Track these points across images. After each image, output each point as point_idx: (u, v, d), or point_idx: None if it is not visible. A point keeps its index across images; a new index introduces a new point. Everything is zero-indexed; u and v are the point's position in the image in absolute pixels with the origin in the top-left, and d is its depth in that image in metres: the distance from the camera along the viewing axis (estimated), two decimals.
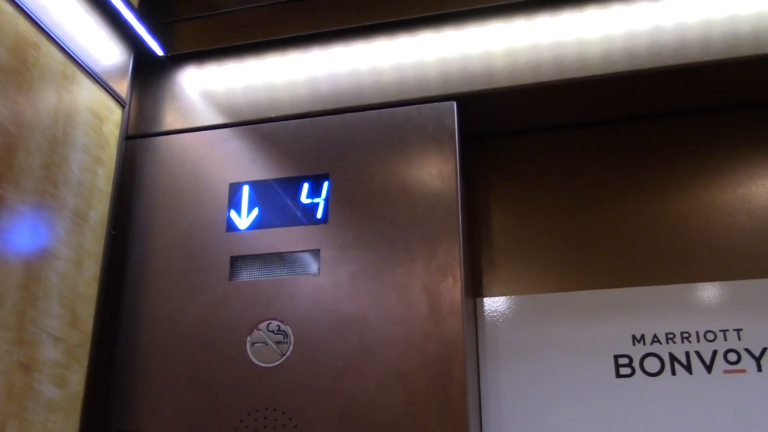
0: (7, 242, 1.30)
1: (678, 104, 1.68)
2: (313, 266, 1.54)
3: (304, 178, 1.61)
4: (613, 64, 1.56)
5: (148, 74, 1.81)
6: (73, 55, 1.51)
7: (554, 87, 1.59)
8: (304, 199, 1.60)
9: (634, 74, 1.55)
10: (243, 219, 1.62)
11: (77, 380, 1.46)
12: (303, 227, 1.58)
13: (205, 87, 1.78)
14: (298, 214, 1.59)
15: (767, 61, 1.50)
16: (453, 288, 1.46)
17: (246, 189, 1.64)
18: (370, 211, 1.56)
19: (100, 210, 1.58)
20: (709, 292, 1.53)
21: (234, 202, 1.63)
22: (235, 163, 1.67)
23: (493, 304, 1.63)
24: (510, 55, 1.62)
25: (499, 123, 1.76)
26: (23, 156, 1.35)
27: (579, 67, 1.57)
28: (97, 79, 1.60)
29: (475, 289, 1.66)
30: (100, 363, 1.53)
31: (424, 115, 1.61)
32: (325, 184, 1.60)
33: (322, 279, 1.53)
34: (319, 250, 1.55)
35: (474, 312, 1.64)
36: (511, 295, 1.63)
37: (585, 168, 1.70)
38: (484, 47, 1.64)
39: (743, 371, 1.46)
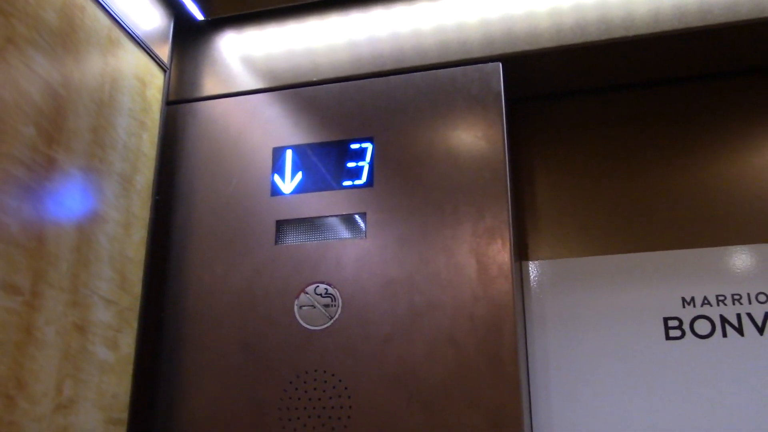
0: (60, 204, 1.30)
1: (727, 65, 1.65)
2: (360, 229, 1.54)
3: (348, 142, 1.60)
4: (662, 23, 1.53)
5: (188, 39, 1.80)
6: (117, 18, 1.50)
7: (600, 47, 1.56)
8: (348, 162, 1.59)
9: (683, 33, 1.52)
10: (287, 183, 1.61)
11: (128, 343, 1.47)
12: (348, 191, 1.57)
13: (244, 52, 1.76)
14: (343, 177, 1.58)
15: None
16: (502, 250, 1.45)
17: (289, 153, 1.63)
18: (416, 175, 1.54)
19: (145, 174, 1.58)
20: (761, 253, 1.51)
21: (278, 167, 1.63)
22: (278, 127, 1.66)
23: (539, 268, 1.62)
24: (554, 15, 1.59)
25: (544, 85, 1.74)
26: (73, 119, 1.35)
27: (626, 26, 1.54)
28: (140, 43, 1.59)
29: (520, 253, 1.65)
30: (149, 326, 1.54)
31: (468, 77, 1.59)
32: (369, 148, 1.59)
33: (369, 242, 1.52)
34: (365, 213, 1.54)
35: (520, 276, 1.63)
36: (557, 258, 1.62)
37: (630, 130, 1.68)
38: (527, 7, 1.62)
39: None
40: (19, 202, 1.20)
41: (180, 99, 1.74)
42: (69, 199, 1.33)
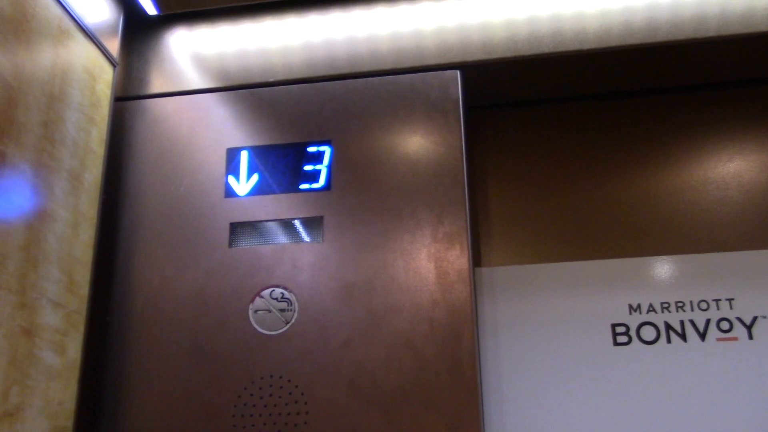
0: (9, 201, 1.24)
1: (673, 80, 1.72)
2: (317, 233, 1.52)
3: (306, 144, 1.59)
4: (610, 39, 1.58)
5: (138, 34, 1.74)
6: (68, 9, 1.44)
7: (553, 60, 1.60)
8: (306, 165, 1.57)
9: (630, 49, 1.57)
10: (242, 185, 1.58)
11: (75, 347, 1.41)
12: (305, 194, 1.55)
13: (196, 49, 1.72)
14: (300, 180, 1.56)
15: (756, 39, 1.55)
16: (461, 256, 1.46)
17: (245, 154, 1.60)
18: (375, 179, 1.54)
19: (93, 172, 1.52)
20: (702, 262, 1.58)
21: (232, 168, 1.59)
22: (232, 127, 1.63)
23: (492, 274, 1.64)
24: (509, 26, 1.62)
25: (498, 94, 1.76)
26: (23, 112, 1.28)
27: (577, 39, 1.58)
28: (90, 35, 1.53)
29: (474, 259, 1.67)
30: (95, 330, 1.48)
31: (428, 84, 1.60)
32: (327, 151, 1.58)
33: (327, 246, 1.51)
34: (322, 217, 1.53)
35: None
36: (509, 265, 1.65)
37: (581, 141, 1.72)
38: (483, 18, 1.64)
39: (735, 339, 1.52)
40: None
41: (129, 95, 1.69)
42: (18, 196, 1.26)
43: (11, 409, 1.20)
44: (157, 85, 1.70)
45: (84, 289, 1.45)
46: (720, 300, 1.54)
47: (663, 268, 1.58)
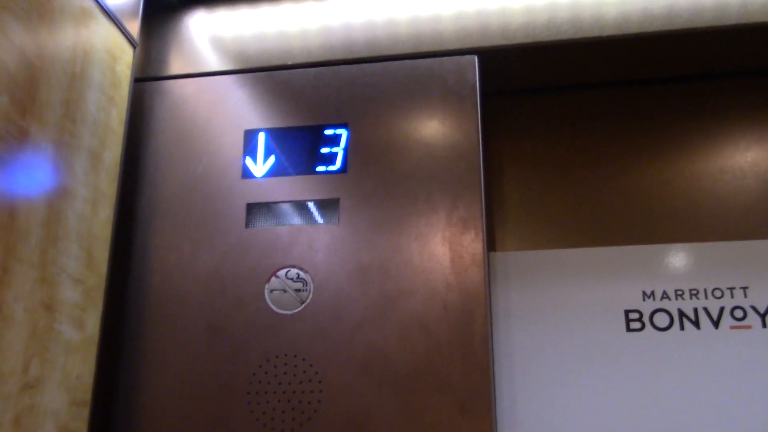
0: (31, 178, 1.26)
1: (692, 68, 1.71)
2: (333, 215, 1.53)
3: (323, 127, 1.60)
4: (629, 26, 1.58)
5: (158, 16, 1.76)
6: None
7: (571, 45, 1.60)
8: (322, 148, 1.58)
9: (649, 36, 1.57)
10: (259, 166, 1.59)
11: (93, 323, 1.43)
12: (321, 176, 1.57)
13: (215, 32, 1.74)
14: (317, 163, 1.58)
15: None
16: (475, 240, 1.47)
17: (262, 136, 1.61)
18: (391, 163, 1.55)
19: (113, 151, 1.54)
20: (717, 251, 1.58)
21: (249, 149, 1.61)
22: (250, 109, 1.64)
23: (506, 259, 1.65)
24: (527, 12, 1.62)
25: (516, 80, 1.77)
26: (45, 90, 1.30)
27: (597, 26, 1.58)
28: (111, 16, 1.55)
29: (488, 244, 1.67)
30: (114, 307, 1.51)
31: (445, 68, 1.61)
32: (344, 134, 1.59)
33: (342, 228, 1.52)
34: (338, 200, 1.54)
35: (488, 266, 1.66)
36: (524, 250, 1.65)
37: (598, 128, 1.73)
38: (502, 3, 1.64)
39: (749, 327, 1.52)
40: None
41: (148, 77, 1.71)
42: (40, 173, 1.28)
43: (31, 381, 1.22)
44: (176, 66, 1.72)
45: (103, 266, 1.47)
46: (734, 288, 1.54)
47: (677, 255, 1.59)
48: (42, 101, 1.29)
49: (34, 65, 1.27)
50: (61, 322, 1.32)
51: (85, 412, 1.38)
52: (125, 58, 1.62)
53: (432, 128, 1.57)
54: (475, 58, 1.60)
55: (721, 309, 1.54)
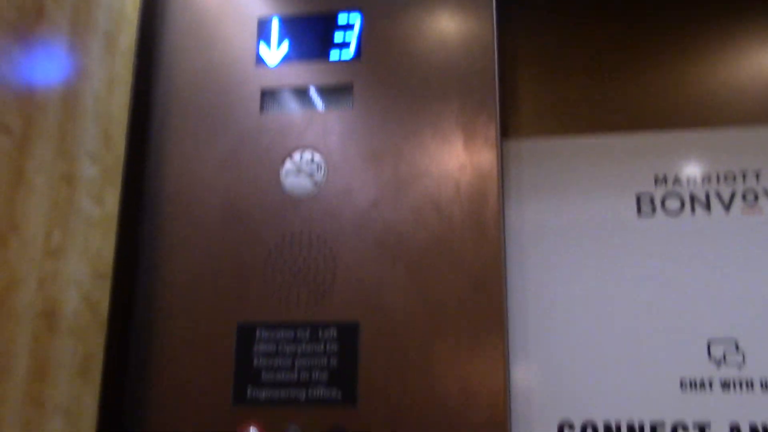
0: (48, 53, 1.27)
1: None
2: (347, 100, 1.54)
3: (337, 12, 1.59)
4: None
5: None
6: None
7: None
8: (336, 33, 1.58)
9: None
10: (273, 53, 1.60)
11: (112, 201, 1.46)
12: (335, 62, 1.57)
13: None
14: (330, 48, 1.57)
15: None
16: (488, 123, 1.48)
17: (275, 22, 1.61)
18: (405, 49, 1.55)
19: (128, 36, 1.55)
20: (730, 136, 1.57)
21: (263, 36, 1.61)
22: None
23: (519, 145, 1.65)
24: None
25: None
26: None
27: None
28: None
29: (502, 130, 1.68)
30: (131, 186, 1.53)
31: None
32: (358, 20, 1.58)
33: (356, 113, 1.53)
34: (352, 85, 1.55)
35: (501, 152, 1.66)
36: (536, 137, 1.66)
37: (615, 17, 1.70)
38: None
39: (761, 211, 1.52)
40: (10, 44, 1.17)
41: None
42: (57, 50, 1.30)
43: (54, 248, 1.26)
44: None
45: (120, 146, 1.50)
46: (747, 171, 1.55)
47: (690, 140, 1.58)
48: None
49: None
50: (81, 197, 1.35)
51: (106, 285, 1.43)
52: None
53: (447, 15, 1.56)
54: None
55: (733, 193, 1.54)
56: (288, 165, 1.52)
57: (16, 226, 1.16)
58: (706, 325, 1.46)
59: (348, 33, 1.58)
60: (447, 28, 1.55)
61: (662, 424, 1.44)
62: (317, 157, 1.52)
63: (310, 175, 1.51)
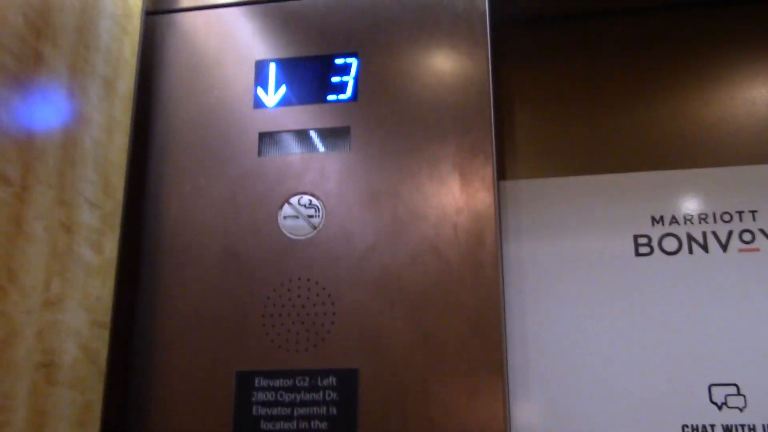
0: (47, 100, 1.28)
1: None
2: (344, 143, 1.55)
3: (333, 56, 1.61)
4: None
5: None
6: None
7: None
8: (333, 77, 1.59)
9: None
10: (270, 96, 1.61)
11: (111, 247, 1.46)
12: (332, 105, 1.58)
13: None
14: (328, 91, 1.59)
15: None
16: (485, 165, 1.49)
17: (273, 66, 1.62)
18: (401, 91, 1.56)
19: (126, 81, 1.55)
20: (726, 175, 1.58)
21: (261, 80, 1.62)
22: (261, 40, 1.65)
23: (516, 186, 1.66)
24: None
25: (526, 8, 1.76)
26: (58, 14, 1.32)
27: None
28: None
29: (498, 172, 1.69)
30: (131, 232, 1.54)
31: None
32: (354, 62, 1.59)
33: (353, 155, 1.54)
34: (349, 127, 1.55)
35: (498, 193, 1.67)
36: (533, 178, 1.67)
37: (608, 55, 1.72)
38: None
39: (757, 250, 1.53)
40: (9, 92, 1.18)
41: (159, 10, 1.71)
42: (56, 96, 1.31)
43: (53, 298, 1.26)
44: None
45: (119, 192, 1.50)
46: (743, 212, 1.56)
47: (686, 180, 1.60)
48: (56, 25, 1.31)
49: None
50: (81, 244, 1.35)
51: (105, 333, 1.42)
52: None
53: (442, 56, 1.57)
54: None
55: (730, 232, 1.55)
56: (286, 208, 1.53)
57: (14, 277, 1.16)
58: (708, 369, 1.46)
59: (344, 76, 1.59)
60: (443, 69, 1.56)
61: None
62: (315, 200, 1.52)
63: (309, 218, 1.51)
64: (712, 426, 1.43)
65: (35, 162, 1.23)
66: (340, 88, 1.59)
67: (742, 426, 1.43)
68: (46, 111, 1.28)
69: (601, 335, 1.53)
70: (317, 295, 1.47)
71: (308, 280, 1.48)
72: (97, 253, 1.41)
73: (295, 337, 1.44)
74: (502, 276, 1.60)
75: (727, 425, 1.43)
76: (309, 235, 1.50)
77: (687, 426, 1.43)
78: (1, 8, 1.16)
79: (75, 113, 1.36)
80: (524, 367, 1.55)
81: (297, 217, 1.52)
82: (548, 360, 1.54)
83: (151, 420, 1.44)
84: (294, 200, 1.53)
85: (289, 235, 1.51)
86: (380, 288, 1.45)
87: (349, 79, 1.59)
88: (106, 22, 1.48)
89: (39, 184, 1.24)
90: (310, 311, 1.46)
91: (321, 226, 1.51)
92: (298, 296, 1.47)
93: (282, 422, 1.39)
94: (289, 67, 1.62)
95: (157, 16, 1.71)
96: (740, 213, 1.55)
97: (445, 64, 1.56)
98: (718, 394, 1.44)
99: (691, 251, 1.55)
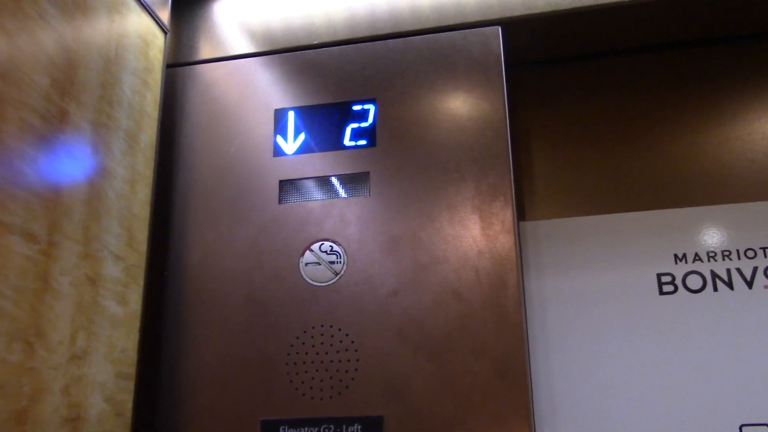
0: (72, 157, 1.30)
1: (716, 31, 1.71)
2: (363, 189, 1.56)
3: (351, 103, 1.63)
4: None
5: (187, 3, 1.80)
6: None
7: (592, 12, 1.61)
8: (351, 123, 1.61)
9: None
10: (290, 144, 1.63)
11: (135, 299, 1.47)
12: (351, 151, 1.59)
13: (242, 17, 1.78)
14: (346, 138, 1.60)
15: None
16: (505, 207, 1.49)
17: (291, 114, 1.65)
18: (419, 135, 1.58)
19: (149, 134, 1.58)
20: (748, 211, 1.58)
21: (280, 128, 1.64)
22: (279, 89, 1.68)
23: (536, 227, 1.66)
24: None
25: (540, 50, 1.78)
26: (83, 73, 1.35)
27: None
28: (143, 3, 1.60)
29: (518, 214, 1.69)
30: (154, 284, 1.55)
31: (468, 41, 1.63)
32: (372, 109, 1.61)
33: (373, 201, 1.55)
34: (368, 173, 1.57)
35: (518, 235, 1.67)
36: (553, 218, 1.67)
37: (624, 94, 1.73)
38: None
39: None
40: (35, 152, 1.20)
41: (179, 62, 1.75)
42: (80, 152, 1.33)
43: (78, 352, 1.27)
44: (206, 51, 1.76)
45: (142, 244, 1.52)
46: (767, 248, 1.54)
47: (708, 217, 1.59)
48: (80, 83, 1.34)
49: (71, 49, 1.31)
50: (105, 297, 1.37)
51: (130, 385, 1.43)
52: (157, 43, 1.66)
53: (459, 100, 1.59)
54: (499, 29, 1.62)
55: (755, 269, 1.54)
56: (308, 255, 1.53)
57: (42, 333, 1.17)
58: (739, 408, 1.44)
59: (363, 122, 1.61)
60: (459, 112, 1.58)
61: None
62: (336, 247, 1.53)
63: (330, 265, 1.52)
64: None
65: (61, 218, 1.25)
66: (359, 134, 1.60)
67: None
68: (72, 168, 1.31)
69: (629, 375, 1.51)
70: (340, 341, 1.47)
71: (331, 326, 1.48)
72: (122, 305, 1.42)
73: (319, 385, 1.44)
74: (526, 319, 1.60)
75: None
76: (331, 282, 1.51)
77: None
78: (28, 70, 1.19)
79: (99, 168, 1.39)
80: (552, 409, 1.53)
81: (318, 264, 1.52)
82: (575, 401, 1.52)
83: None
84: (315, 247, 1.54)
85: (311, 282, 1.52)
86: (403, 334, 1.45)
87: (368, 125, 1.60)
88: (129, 77, 1.51)
89: (65, 240, 1.26)
90: (333, 358, 1.46)
91: (343, 272, 1.51)
92: (321, 343, 1.47)
93: None
94: (308, 115, 1.64)
95: (177, 68, 1.75)
96: (764, 249, 1.54)
97: (463, 108, 1.58)
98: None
99: (715, 288, 1.54)
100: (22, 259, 1.14)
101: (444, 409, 1.39)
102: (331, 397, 1.43)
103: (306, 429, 1.41)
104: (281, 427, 1.41)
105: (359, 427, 1.39)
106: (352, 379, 1.44)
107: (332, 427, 1.40)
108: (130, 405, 1.41)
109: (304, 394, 1.44)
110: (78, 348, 1.27)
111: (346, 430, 1.39)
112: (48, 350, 1.19)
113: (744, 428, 1.43)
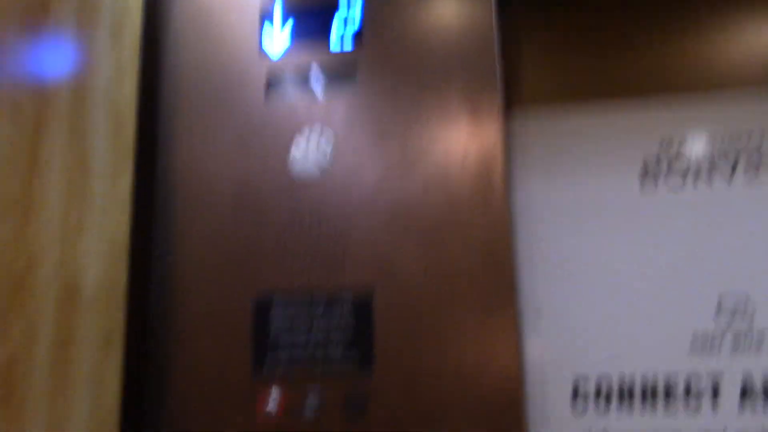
0: (56, 48, 1.31)
1: None
2: (351, 84, 1.56)
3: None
4: None
5: None
6: None
7: None
8: (338, 19, 1.61)
9: None
10: (276, 40, 1.62)
11: (124, 186, 1.49)
12: (338, 47, 1.59)
13: None
14: (333, 34, 1.60)
15: None
16: (492, 99, 1.50)
17: (278, 9, 1.64)
18: (407, 29, 1.57)
19: (133, 28, 1.58)
20: (729, 101, 1.59)
21: (266, 24, 1.64)
22: None
23: (524, 116, 1.67)
24: None
25: None
26: None
27: None
28: None
29: (506, 103, 1.69)
30: (143, 173, 1.56)
31: None
32: (359, 5, 1.61)
33: (361, 95, 1.55)
34: (356, 68, 1.57)
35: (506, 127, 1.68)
36: (541, 106, 1.67)
37: None
38: None
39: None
40: (18, 38, 1.21)
41: None
42: (64, 43, 1.34)
43: (71, 229, 1.29)
44: None
45: (130, 135, 1.52)
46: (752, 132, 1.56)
47: (694, 104, 1.60)
48: None
49: None
50: (95, 181, 1.38)
51: (122, 265, 1.45)
52: None
53: None
54: None
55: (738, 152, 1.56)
56: (295, 149, 1.54)
57: (34, 208, 1.19)
58: (717, 280, 1.48)
59: (350, 18, 1.60)
60: (447, 5, 1.57)
61: (675, 375, 1.46)
62: (324, 140, 1.54)
63: (318, 158, 1.53)
64: (722, 333, 1.45)
65: (47, 106, 1.27)
66: (346, 30, 1.60)
67: (751, 333, 1.45)
68: (55, 57, 1.31)
69: (611, 256, 1.54)
70: (329, 230, 1.49)
71: (320, 216, 1.50)
72: (112, 189, 1.44)
73: (309, 265, 1.47)
74: (512, 206, 1.61)
75: (736, 332, 1.45)
76: (319, 173, 1.52)
77: (697, 333, 1.46)
78: None
79: (84, 60, 1.40)
80: (535, 291, 1.56)
81: (306, 156, 1.54)
82: (559, 283, 1.55)
83: (170, 346, 1.48)
84: (303, 140, 1.55)
85: (299, 173, 1.53)
86: (392, 219, 1.47)
87: (355, 22, 1.60)
88: None
89: (52, 123, 1.27)
90: (322, 246, 1.48)
91: (331, 164, 1.52)
92: (310, 233, 1.49)
93: (300, 348, 1.43)
94: (295, 11, 1.63)
95: None
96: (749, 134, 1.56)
97: (451, 6, 1.58)
98: (728, 303, 1.46)
99: (698, 177, 1.56)
100: (8, 142, 1.16)
101: (432, 290, 1.42)
102: (320, 277, 1.46)
103: (297, 303, 1.44)
104: (273, 302, 1.45)
105: (350, 298, 1.43)
106: (341, 263, 1.46)
107: (324, 299, 1.44)
108: (123, 282, 1.44)
109: (293, 274, 1.47)
110: (70, 226, 1.29)
111: (338, 301, 1.43)
112: (41, 223, 1.21)
113: (722, 294, 1.47)
